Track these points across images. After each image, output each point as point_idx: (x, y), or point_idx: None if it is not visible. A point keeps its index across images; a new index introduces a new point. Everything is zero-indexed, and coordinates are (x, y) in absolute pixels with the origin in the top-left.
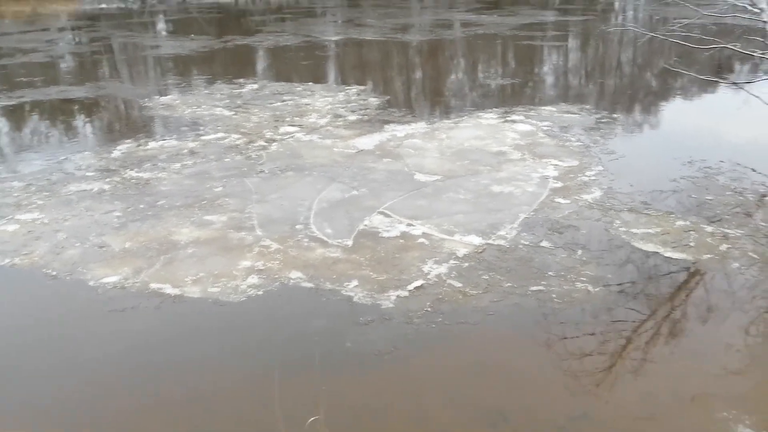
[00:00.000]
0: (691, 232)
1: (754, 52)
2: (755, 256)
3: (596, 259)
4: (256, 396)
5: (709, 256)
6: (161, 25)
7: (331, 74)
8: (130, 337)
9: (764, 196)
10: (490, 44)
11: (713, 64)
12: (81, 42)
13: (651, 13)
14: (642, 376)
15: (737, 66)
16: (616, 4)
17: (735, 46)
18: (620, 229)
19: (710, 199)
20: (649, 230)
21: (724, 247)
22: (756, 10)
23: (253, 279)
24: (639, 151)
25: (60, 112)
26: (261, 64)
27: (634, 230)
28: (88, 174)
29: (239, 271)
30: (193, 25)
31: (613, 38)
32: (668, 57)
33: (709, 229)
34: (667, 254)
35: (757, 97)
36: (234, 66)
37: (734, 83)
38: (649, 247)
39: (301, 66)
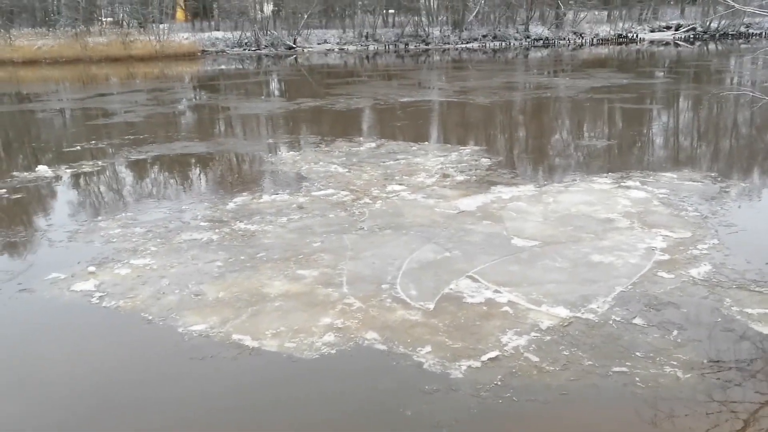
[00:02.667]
0: None
1: None
2: None
3: (693, 341)
4: None
5: None
6: (275, 85)
7: (446, 134)
8: (203, 383)
9: None
10: (607, 107)
11: None
12: (201, 100)
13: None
14: None
15: None
16: (730, 69)
17: None
18: (729, 308)
19: None
20: (759, 310)
21: None
22: None
23: (330, 337)
24: (763, 225)
25: (184, 166)
26: (379, 124)
27: (747, 310)
28: (201, 224)
29: (318, 328)
30: (304, 85)
31: (732, 103)
32: None
33: None
34: None
35: None
36: (353, 125)
37: None
38: (764, 330)
39: (417, 125)
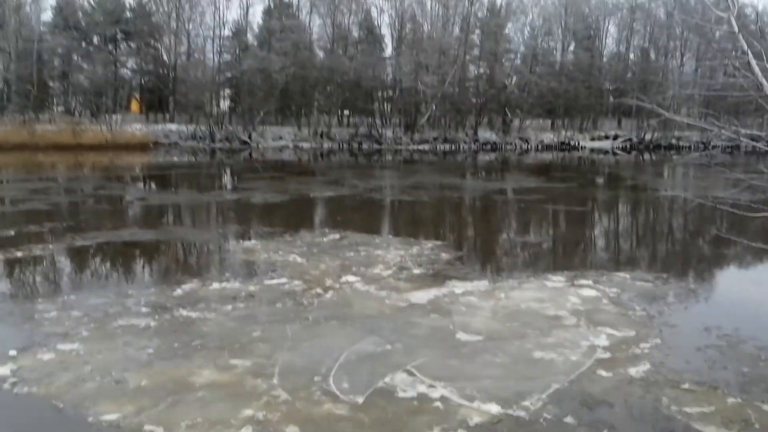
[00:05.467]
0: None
1: None
2: None
3: None
4: None
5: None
6: (230, 177)
7: (410, 229)
8: None
9: None
10: (574, 210)
11: None
12: (152, 191)
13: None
14: None
15: None
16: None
17: None
18: (663, 407)
19: None
20: (698, 409)
21: None
22: None
23: (247, 430)
24: (706, 326)
25: (134, 253)
26: (343, 216)
27: (683, 408)
28: (142, 310)
29: (237, 420)
30: (262, 178)
31: (685, 208)
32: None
33: None
34: None
35: None
36: (318, 217)
37: None
38: (699, 427)
39: (386, 220)
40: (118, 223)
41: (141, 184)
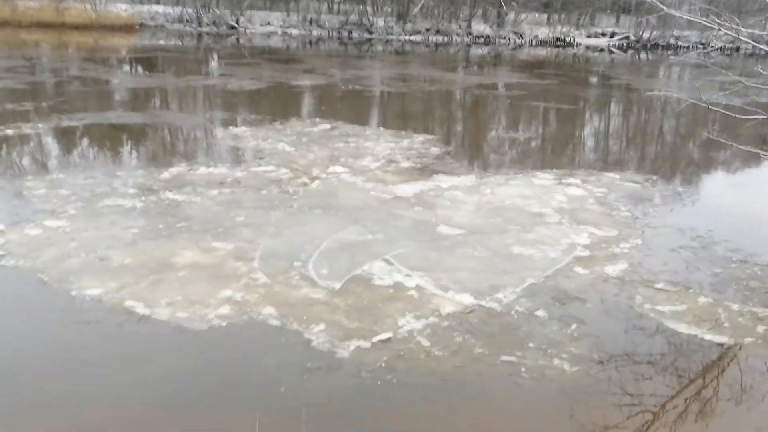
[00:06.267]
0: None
1: None
2: None
3: (589, 335)
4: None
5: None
6: (214, 64)
7: (401, 122)
8: (74, 349)
9: None
10: (566, 108)
11: None
12: (138, 74)
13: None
14: None
15: None
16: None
17: None
18: (634, 305)
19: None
20: (671, 308)
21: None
22: None
23: (225, 309)
24: (687, 228)
25: (122, 135)
26: (334, 106)
27: (655, 306)
28: (129, 191)
29: (216, 300)
30: (252, 65)
31: (678, 110)
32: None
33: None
34: (686, 331)
35: None
36: (310, 106)
37: None
38: (668, 325)
39: (377, 111)
40: (104, 105)
41: (127, 67)
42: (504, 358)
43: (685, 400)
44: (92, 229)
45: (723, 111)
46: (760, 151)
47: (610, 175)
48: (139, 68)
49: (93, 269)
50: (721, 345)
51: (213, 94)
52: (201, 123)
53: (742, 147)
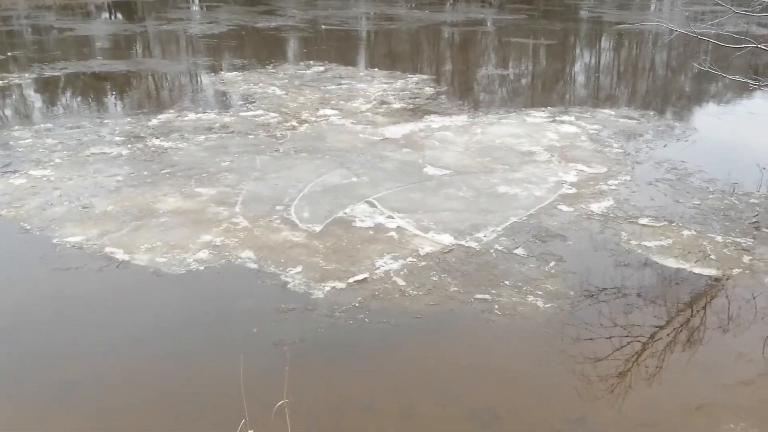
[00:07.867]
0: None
1: None
2: None
3: (566, 272)
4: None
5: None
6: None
7: (396, 63)
8: (49, 293)
9: None
10: (559, 45)
11: None
12: (117, 21)
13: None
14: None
15: None
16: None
17: None
18: (616, 241)
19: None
20: (656, 242)
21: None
22: None
23: (204, 254)
24: (676, 163)
25: (111, 83)
26: (327, 47)
27: (632, 241)
28: (116, 139)
29: (195, 245)
30: (234, 14)
31: (671, 41)
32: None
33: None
34: (664, 263)
35: None
36: (299, 48)
37: None
38: (655, 259)
39: (372, 53)
40: (85, 53)
41: (106, 14)
42: (478, 296)
43: (667, 333)
44: (76, 177)
45: (714, 41)
46: (749, 81)
47: (605, 111)
48: (118, 14)
49: (75, 217)
50: (709, 277)
51: (200, 39)
52: (187, 69)
53: (732, 77)
